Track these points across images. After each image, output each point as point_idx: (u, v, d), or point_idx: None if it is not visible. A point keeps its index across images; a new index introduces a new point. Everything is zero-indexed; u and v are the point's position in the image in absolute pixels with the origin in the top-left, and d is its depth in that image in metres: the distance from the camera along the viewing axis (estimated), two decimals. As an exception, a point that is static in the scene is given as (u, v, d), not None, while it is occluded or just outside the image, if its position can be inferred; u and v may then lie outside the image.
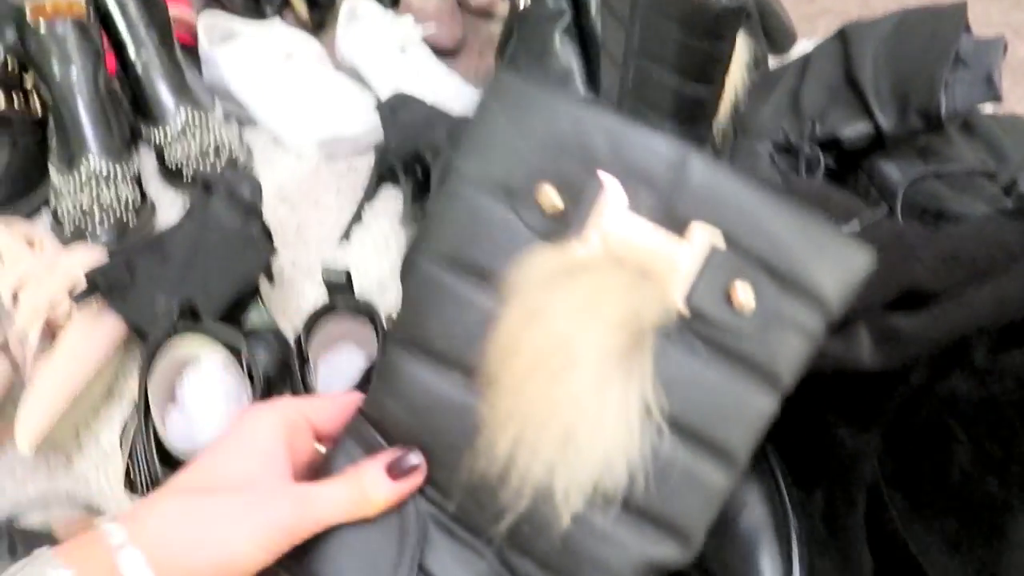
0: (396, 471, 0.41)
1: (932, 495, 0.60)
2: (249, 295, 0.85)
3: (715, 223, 0.37)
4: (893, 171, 0.90)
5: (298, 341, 0.68)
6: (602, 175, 0.37)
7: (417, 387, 0.41)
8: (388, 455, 0.42)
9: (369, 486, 0.41)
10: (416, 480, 0.41)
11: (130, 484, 0.61)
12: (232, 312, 0.77)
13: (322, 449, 0.47)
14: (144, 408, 0.60)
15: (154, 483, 0.58)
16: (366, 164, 1.04)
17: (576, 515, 0.38)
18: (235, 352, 0.64)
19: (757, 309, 0.37)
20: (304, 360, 0.69)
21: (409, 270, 0.44)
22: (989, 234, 0.65)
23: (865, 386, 0.62)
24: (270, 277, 0.93)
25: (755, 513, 0.64)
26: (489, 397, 0.38)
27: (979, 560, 0.57)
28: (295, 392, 0.69)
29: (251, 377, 0.62)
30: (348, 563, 0.42)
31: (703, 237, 0.37)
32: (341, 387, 0.67)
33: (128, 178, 0.94)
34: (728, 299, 0.37)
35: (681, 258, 0.37)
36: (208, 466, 0.41)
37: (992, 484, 0.56)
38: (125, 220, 0.90)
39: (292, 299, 0.93)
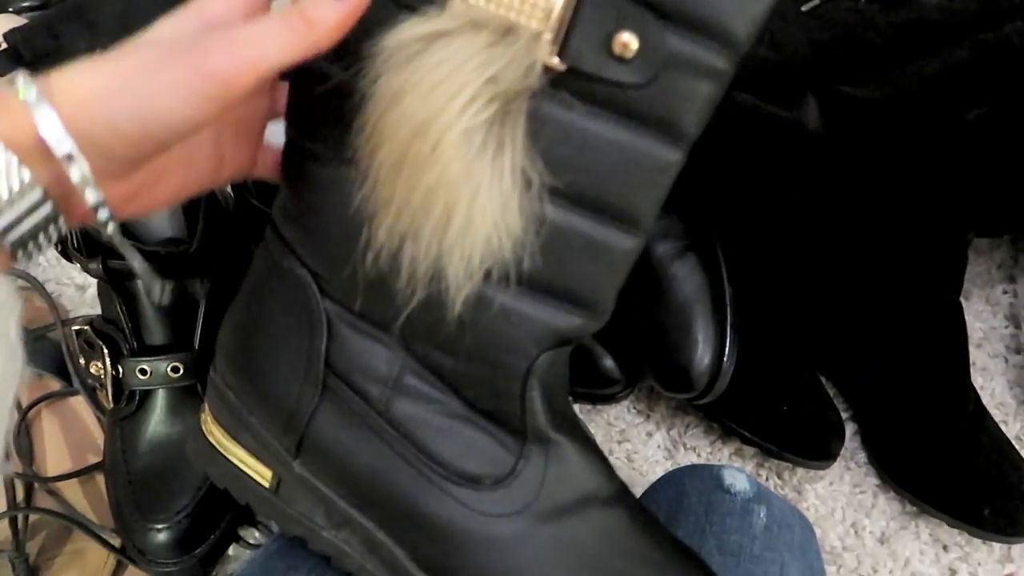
0: None
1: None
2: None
3: None
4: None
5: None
6: None
7: (311, 189, 0.39)
8: None
9: (310, 7, 0.35)
10: (362, 5, 0.34)
11: (60, 241, 0.60)
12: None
13: None
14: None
15: (83, 235, 0.57)
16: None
17: (472, 298, 0.36)
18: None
19: (643, 55, 0.32)
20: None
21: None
22: (946, 5, 0.63)
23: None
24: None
25: (692, 282, 0.65)
26: (366, 190, 0.35)
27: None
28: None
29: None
30: (269, 353, 0.41)
31: None
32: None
33: (50, -56, 0.88)
34: (608, 48, 0.32)
35: (552, 8, 0.32)
36: (137, 35, 0.34)
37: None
38: (47, -13, 0.84)
39: (232, 81, 0.89)
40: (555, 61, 0.32)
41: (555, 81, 0.33)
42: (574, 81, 0.33)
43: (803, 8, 0.72)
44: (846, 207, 0.64)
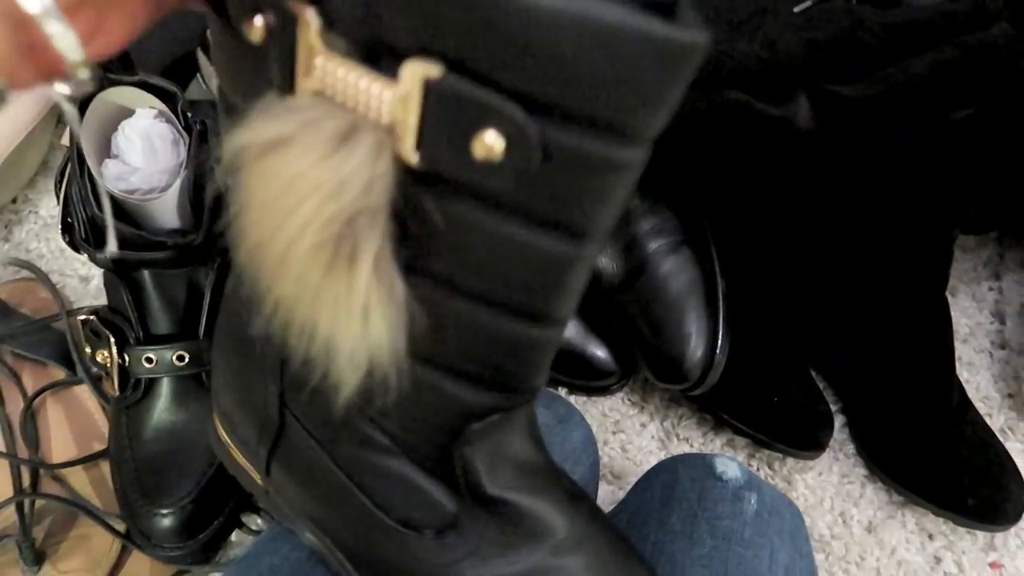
0: None
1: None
2: (187, 64, 0.82)
3: (441, 48, 0.25)
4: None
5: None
6: (295, 4, 0.26)
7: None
8: None
9: None
10: None
11: (67, 229, 0.61)
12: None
13: None
14: (78, 155, 0.59)
15: (91, 226, 0.58)
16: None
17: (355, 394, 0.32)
18: (171, 105, 0.63)
19: (512, 158, 0.25)
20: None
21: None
22: (937, 7, 0.65)
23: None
24: (209, 53, 0.90)
25: (685, 276, 0.67)
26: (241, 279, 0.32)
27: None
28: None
29: (188, 128, 0.61)
30: (244, 373, 0.42)
31: (413, 74, 0.25)
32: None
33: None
34: (467, 150, 0.26)
35: (394, 104, 0.26)
36: None
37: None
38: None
39: (234, 77, 0.90)
40: (412, 159, 0.26)
41: (419, 177, 0.27)
42: (441, 177, 0.27)
43: (796, 9, 0.74)
44: (836, 203, 0.65)
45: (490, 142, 0.25)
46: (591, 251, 0.30)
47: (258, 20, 0.27)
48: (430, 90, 0.25)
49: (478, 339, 0.32)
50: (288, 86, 0.27)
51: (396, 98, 0.25)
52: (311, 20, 0.26)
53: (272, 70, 0.28)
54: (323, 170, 0.26)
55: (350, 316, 0.28)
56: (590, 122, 0.25)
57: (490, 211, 0.27)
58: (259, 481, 0.45)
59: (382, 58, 0.25)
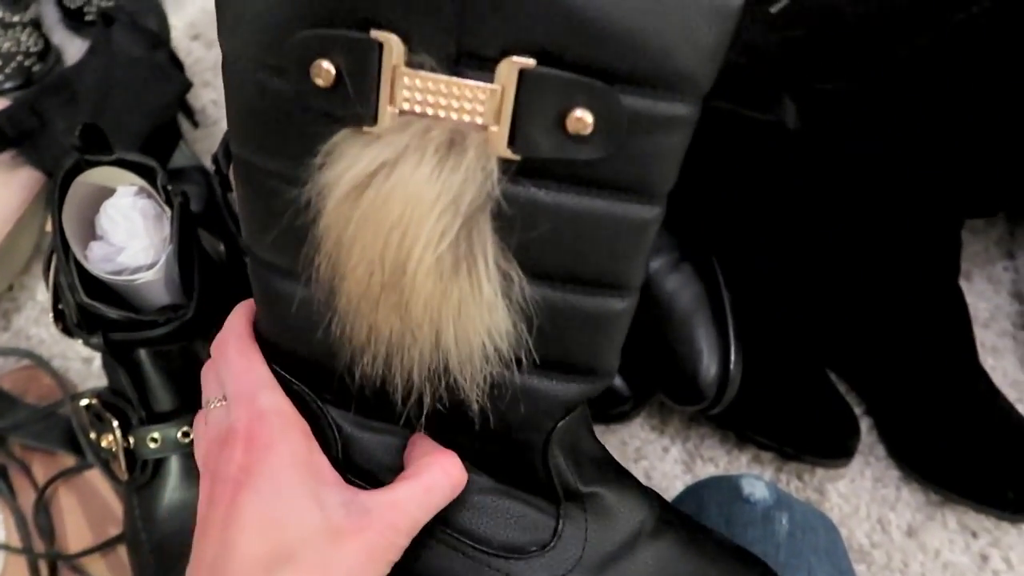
0: None
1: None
2: (168, 132, 0.82)
3: (525, 45, 0.29)
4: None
5: (217, 167, 0.66)
6: (376, 33, 0.29)
7: (280, 305, 0.38)
8: None
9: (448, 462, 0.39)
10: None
11: (59, 316, 0.60)
12: (154, 154, 0.74)
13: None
14: (62, 242, 0.58)
15: (82, 311, 0.57)
16: (280, -7, 0.98)
17: (483, 385, 0.35)
18: (151, 180, 0.62)
19: (601, 127, 0.30)
20: (228, 188, 0.66)
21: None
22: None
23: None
24: (192, 118, 0.90)
25: (690, 293, 0.65)
26: (337, 320, 0.35)
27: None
28: (223, 223, 0.68)
29: (170, 203, 0.60)
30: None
31: (510, 69, 0.29)
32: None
33: (26, 24, 0.89)
34: (562, 127, 0.30)
35: (490, 102, 0.29)
36: (271, 525, 0.36)
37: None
38: (28, 66, 0.85)
39: (217, 140, 0.90)
40: (509, 152, 0.30)
41: (517, 170, 0.31)
42: (535, 165, 0.31)
43: (772, 9, 0.73)
44: (835, 202, 0.64)
45: (579, 115, 0.29)
46: (659, 214, 0.34)
47: (325, 64, 0.30)
48: (524, 81, 0.29)
49: (568, 322, 0.35)
50: (371, 115, 0.30)
51: (492, 95, 0.29)
52: (394, 45, 0.29)
53: (344, 109, 0.30)
54: (441, 182, 0.30)
55: (476, 313, 0.32)
56: (660, 84, 0.30)
57: (576, 189, 0.32)
58: None
59: (466, 66, 0.29)
